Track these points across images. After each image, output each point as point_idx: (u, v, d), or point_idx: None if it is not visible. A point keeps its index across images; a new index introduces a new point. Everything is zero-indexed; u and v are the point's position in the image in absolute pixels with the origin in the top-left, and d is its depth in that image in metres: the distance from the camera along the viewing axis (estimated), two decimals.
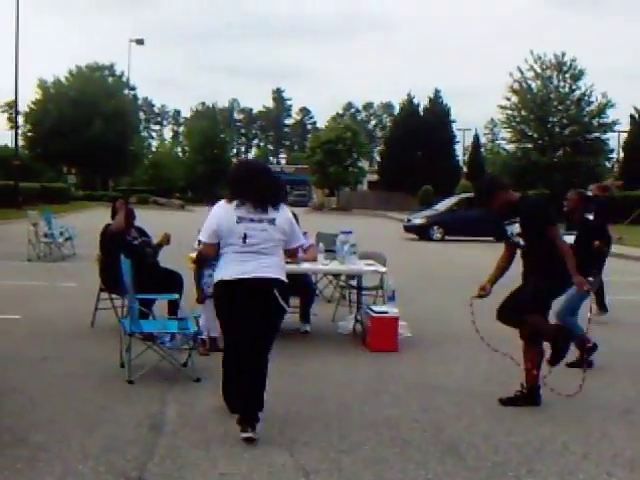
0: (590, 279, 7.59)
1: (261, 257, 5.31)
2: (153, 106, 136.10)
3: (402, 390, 6.61)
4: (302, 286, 8.97)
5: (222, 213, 5.38)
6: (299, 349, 8.13)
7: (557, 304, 7.83)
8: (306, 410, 5.92)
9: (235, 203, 5.33)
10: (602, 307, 10.07)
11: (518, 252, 6.34)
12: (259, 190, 5.33)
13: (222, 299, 5.42)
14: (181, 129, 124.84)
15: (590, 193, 8.09)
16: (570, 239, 7.83)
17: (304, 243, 8.48)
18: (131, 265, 6.75)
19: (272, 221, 5.33)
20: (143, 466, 4.64)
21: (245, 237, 5.28)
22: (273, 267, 5.35)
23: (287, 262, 8.60)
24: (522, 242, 6.24)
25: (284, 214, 5.46)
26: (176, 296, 7.74)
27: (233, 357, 5.45)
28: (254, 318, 5.25)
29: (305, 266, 8.74)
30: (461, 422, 5.75)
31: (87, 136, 63.82)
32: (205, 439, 5.18)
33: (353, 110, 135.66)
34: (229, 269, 5.30)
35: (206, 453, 4.91)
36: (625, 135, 70.29)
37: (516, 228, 6.23)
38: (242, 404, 5.29)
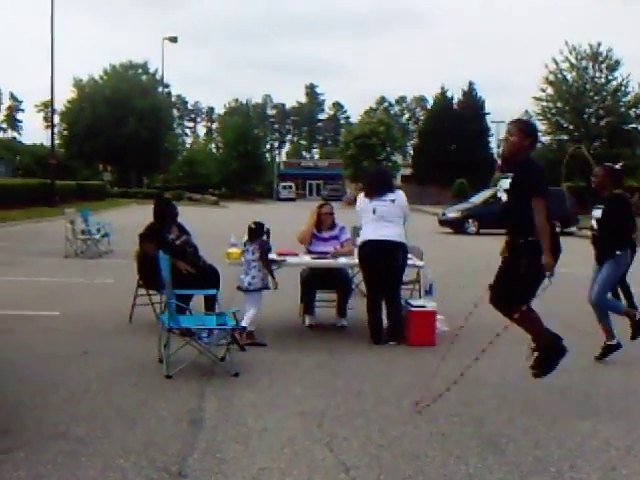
0: (618, 252, 7.51)
1: None
2: (186, 103, 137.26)
3: (440, 384, 6.56)
4: (339, 280, 8.98)
5: None
6: (337, 343, 8.13)
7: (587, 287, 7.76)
8: (345, 405, 5.91)
9: None
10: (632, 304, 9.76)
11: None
12: None
13: None
14: (214, 126, 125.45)
15: (618, 167, 7.87)
16: (598, 213, 7.72)
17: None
18: (169, 261, 6.79)
19: None
20: (184, 461, 4.65)
21: None
22: None
23: (323, 257, 8.71)
24: (504, 198, 6.04)
25: None
26: (214, 291, 7.77)
27: None
28: None
29: (342, 260, 8.74)
30: (501, 416, 5.71)
31: (122, 134, 64.45)
32: (244, 434, 5.19)
33: (386, 104, 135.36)
34: None
35: (245, 448, 4.92)
36: None
37: (506, 183, 6.01)
38: None
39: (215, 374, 6.68)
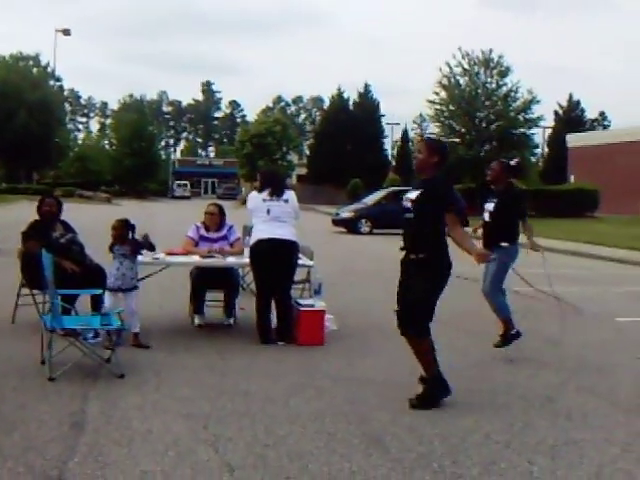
0: (504, 244, 7.74)
1: None
2: (79, 98, 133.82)
3: (328, 383, 6.61)
4: (228, 280, 8.94)
5: None
6: (226, 344, 8.08)
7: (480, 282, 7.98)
8: (232, 405, 5.87)
9: None
10: None
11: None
12: None
13: None
14: (108, 121, 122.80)
15: (513, 163, 8.13)
16: (490, 206, 7.96)
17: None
18: (52, 260, 6.61)
19: None
20: (64, 465, 4.52)
21: None
22: None
23: (213, 256, 8.64)
24: (410, 207, 6.08)
25: None
26: (99, 291, 7.59)
27: None
28: None
29: (231, 260, 8.69)
30: (386, 414, 5.78)
31: (11, 128, 62.33)
32: (128, 436, 5.09)
33: (283, 104, 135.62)
34: None
35: (128, 451, 4.82)
36: (549, 131, 72.31)
37: (414, 194, 6.07)
38: None
39: (100, 376, 6.52)
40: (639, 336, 9.43)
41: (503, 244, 7.75)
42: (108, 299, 7.64)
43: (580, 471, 4.74)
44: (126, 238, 7.84)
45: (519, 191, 8.16)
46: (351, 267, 16.49)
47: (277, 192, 8.33)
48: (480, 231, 8.22)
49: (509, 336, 7.87)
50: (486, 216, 8.02)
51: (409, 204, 6.09)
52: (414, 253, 6.00)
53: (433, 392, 6.05)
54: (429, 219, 5.93)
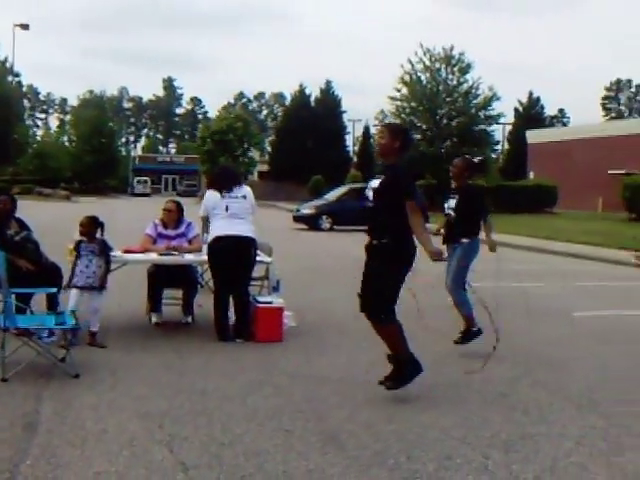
0: (464, 240, 7.79)
1: None
2: (38, 94, 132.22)
3: (286, 380, 6.61)
4: (185, 277, 8.88)
5: None
6: (183, 342, 8.03)
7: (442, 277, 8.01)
8: (188, 404, 5.83)
9: None
10: None
11: None
12: None
13: None
14: (68, 118, 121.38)
15: (476, 161, 8.20)
16: (452, 203, 8.01)
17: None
18: (5, 258, 6.51)
19: None
20: (15, 468, 4.45)
21: None
22: None
23: (170, 253, 8.59)
24: (371, 196, 6.16)
25: None
26: (54, 290, 7.50)
27: None
28: None
29: (189, 257, 8.64)
30: (343, 411, 5.78)
31: None
32: (82, 437, 5.03)
33: (245, 100, 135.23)
34: None
35: (82, 452, 4.76)
36: (509, 127, 72.98)
37: (376, 183, 6.13)
38: None
39: (54, 376, 6.43)
40: (595, 330, 9.54)
41: (464, 240, 7.81)
42: (74, 297, 7.55)
43: (534, 465, 4.78)
44: (94, 236, 7.77)
45: (480, 188, 8.22)
46: (311, 264, 16.49)
47: (233, 188, 8.31)
48: (442, 230, 8.24)
49: (470, 333, 7.91)
50: (451, 212, 8.05)
51: (371, 194, 6.14)
52: (377, 239, 6.02)
53: (404, 372, 6.07)
54: (390, 205, 5.95)
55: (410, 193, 5.95)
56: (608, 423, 5.71)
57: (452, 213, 8.01)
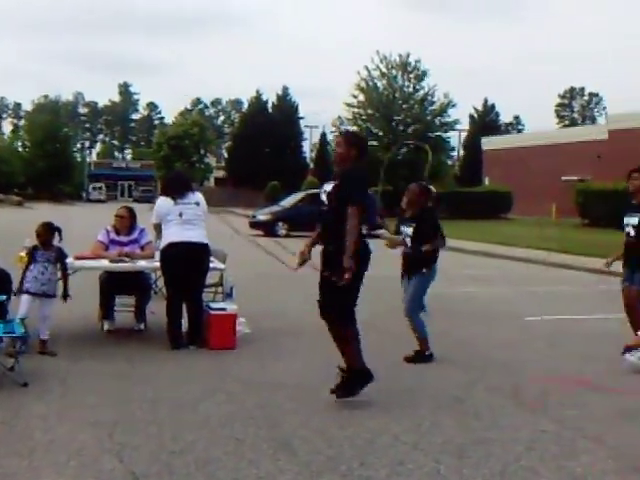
0: (424, 271, 7.78)
1: None
2: None
3: (239, 387, 6.56)
4: (138, 284, 8.79)
5: None
6: (136, 349, 7.94)
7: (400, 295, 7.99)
8: (139, 413, 5.76)
9: None
10: None
11: None
12: None
13: None
14: (22, 123, 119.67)
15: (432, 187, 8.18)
16: (410, 231, 7.95)
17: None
18: None
19: None
20: None
21: None
22: None
23: (123, 260, 8.49)
24: (326, 202, 6.17)
25: None
26: (3, 297, 7.37)
27: None
28: None
29: (141, 264, 8.55)
30: (297, 417, 5.76)
31: None
32: (30, 447, 4.94)
33: (201, 106, 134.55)
34: None
35: (29, 462, 4.68)
36: (465, 134, 73.73)
37: (329, 186, 6.16)
38: None
39: (2, 385, 6.31)
40: (547, 334, 9.63)
41: (424, 270, 7.76)
42: (26, 303, 7.42)
43: (485, 469, 4.80)
44: (51, 243, 7.66)
45: (435, 212, 8.15)
46: (267, 270, 16.42)
47: (185, 194, 8.26)
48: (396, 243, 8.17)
49: (422, 356, 7.86)
50: (407, 241, 7.95)
51: (324, 197, 6.14)
52: (332, 244, 6.01)
53: (354, 381, 6.08)
54: (344, 210, 5.93)
55: (354, 199, 5.93)
56: (560, 426, 5.76)
57: (408, 243, 7.88)
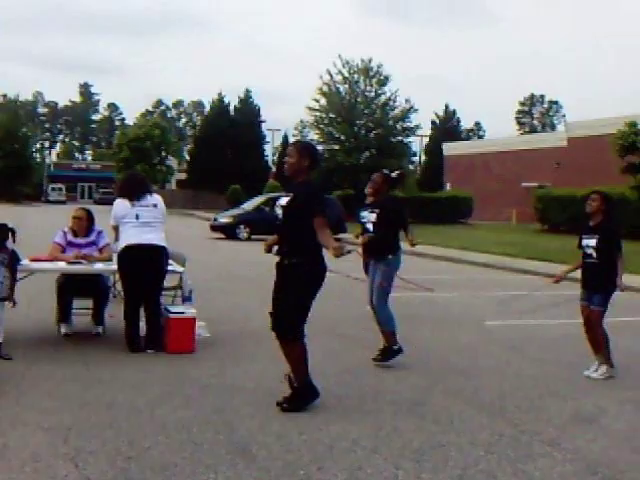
0: (390, 257, 7.80)
1: None
2: None
3: (197, 392, 6.50)
4: (95, 287, 8.68)
5: None
6: (93, 353, 7.84)
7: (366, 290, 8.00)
8: (95, 417, 5.68)
9: None
10: None
11: None
12: None
13: None
14: None
15: (394, 175, 8.22)
16: (372, 217, 7.99)
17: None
18: None
19: None
20: None
21: None
22: None
23: (80, 262, 8.38)
24: (280, 214, 6.15)
25: None
26: None
27: None
28: None
29: (99, 266, 8.45)
30: (255, 422, 5.72)
31: None
32: None
33: (163, 107, 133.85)
34: None
35: None
36: (426, 139, 74.24)
37: (284, 200, 6.13)
38: None
39: None
40: (506, 339, 9.69)
41: (390, 256, 7.80)
42: None
43: (444, 473, 4.81)
44: (5, 245, 7.52)
45: (400, 199, 8.25)
46: (227, 273, 16.37)
47: (143, 196, 8.19)
48: (361, 238, 8.22)
49: (390, 351, 7.86)
50: (369, 227, 8.02)
51: (280, 211, 6.10)
52: (287, 258, 5.99)
53: (301, 397, 6.07)
54: (301, 223, 5.93)
55: (319, 210, 5.93)
56: (518, 430, 5.80)
57: (371, 229, 7.98)
